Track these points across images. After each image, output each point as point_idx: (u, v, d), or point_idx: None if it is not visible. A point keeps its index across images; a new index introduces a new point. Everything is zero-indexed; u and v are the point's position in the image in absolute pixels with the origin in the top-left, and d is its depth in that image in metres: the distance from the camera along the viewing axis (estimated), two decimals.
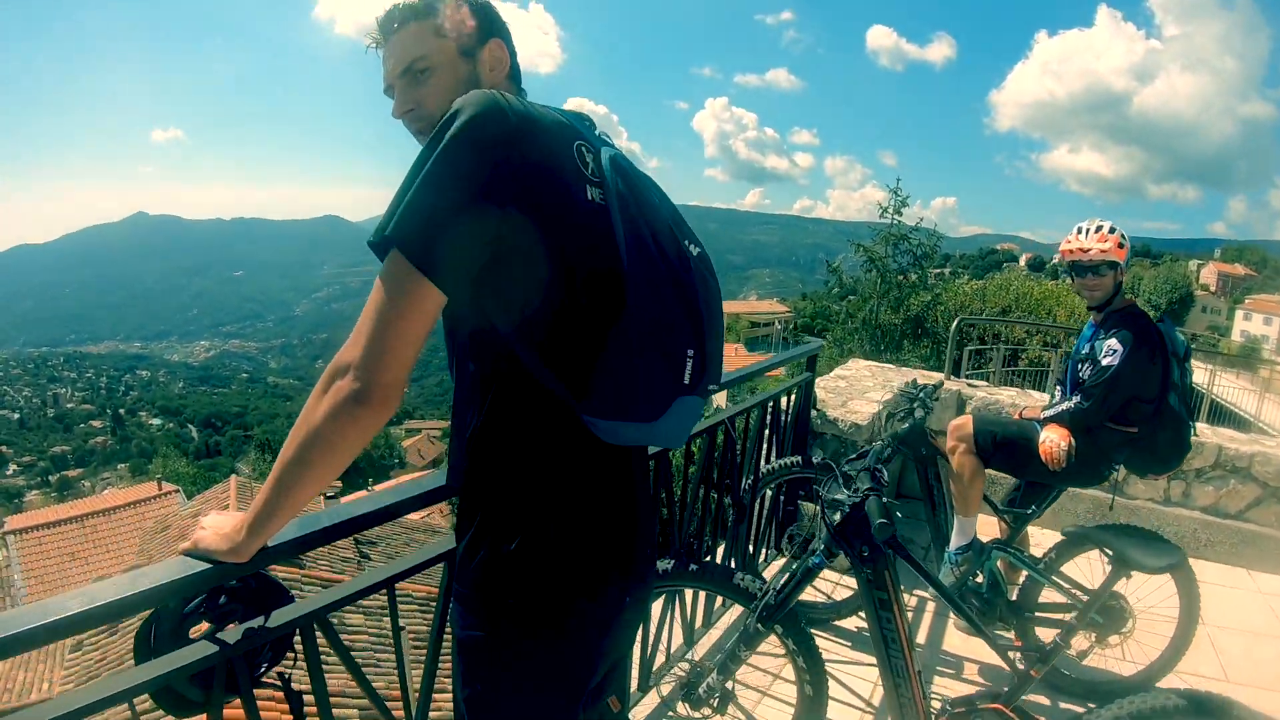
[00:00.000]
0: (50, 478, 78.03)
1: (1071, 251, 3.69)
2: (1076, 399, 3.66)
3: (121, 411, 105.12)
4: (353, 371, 1.31)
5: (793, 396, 4.59)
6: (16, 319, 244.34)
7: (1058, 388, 4.11)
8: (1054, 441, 3.64)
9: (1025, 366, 12.22)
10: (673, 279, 1.49)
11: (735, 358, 52.77)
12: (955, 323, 7.72)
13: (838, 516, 2.51)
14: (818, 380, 5.72)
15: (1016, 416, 4.04)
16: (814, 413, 4.93)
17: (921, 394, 4.06)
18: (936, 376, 6.72)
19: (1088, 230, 3.68)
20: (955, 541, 3.91)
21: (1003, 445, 3.85)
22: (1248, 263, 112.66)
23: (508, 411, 1.49)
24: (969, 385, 6.55)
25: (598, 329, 1.41)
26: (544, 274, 1.39)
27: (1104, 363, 3.55)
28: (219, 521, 1.49)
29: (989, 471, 3.94)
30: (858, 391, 5.72)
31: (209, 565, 1.44)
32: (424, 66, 1.58)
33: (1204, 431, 5.53)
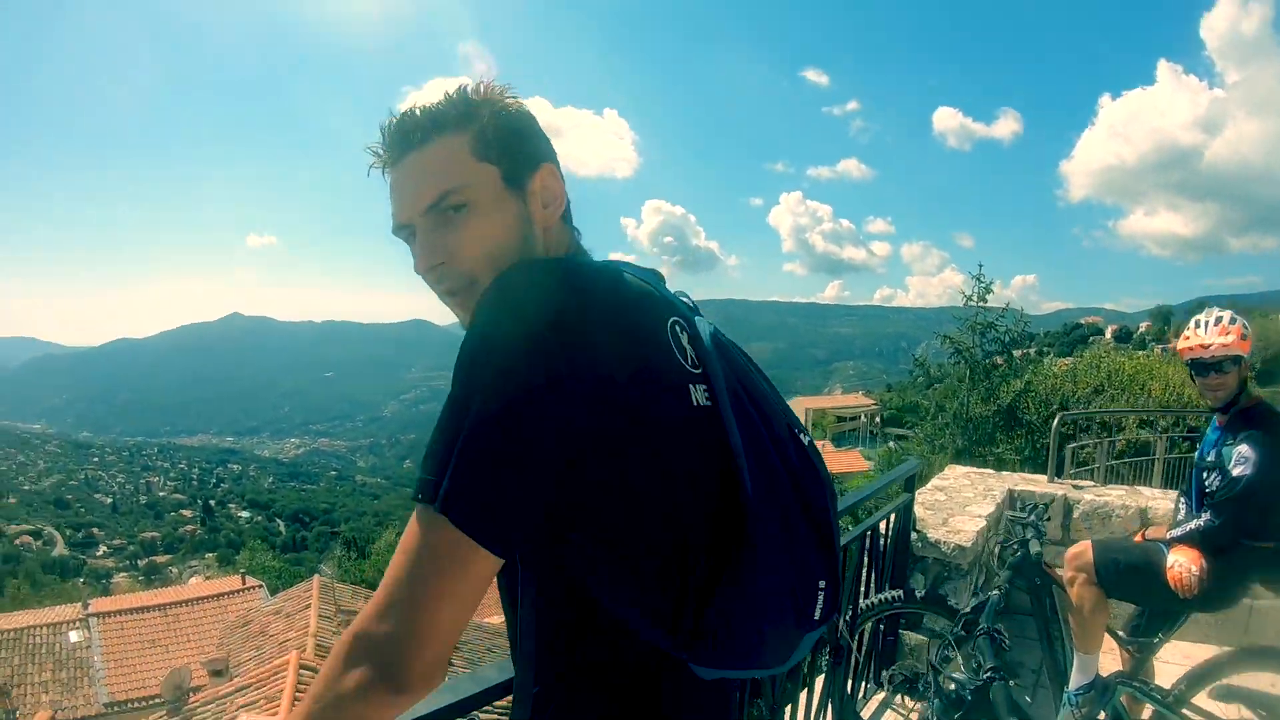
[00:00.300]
0: (139, 562, 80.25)
1: (1191, 349, 3.32)
2: (1206, 516, 3.24)
3: (212, 502, 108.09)
4: (384, 653, 0.98)
5: (892, 520, 4.26)
6: (114, 409, 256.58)
7: (1182, 501, 3.70)
8: (1184, 566, 3.21)
9: (1123, 448, 11.67)
10: (799, 494, 1.19)
11: (823, 454, 52.04)
12: (1055, 421, 7.27)
13: (953, 690, 2.20)
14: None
15: (1139, 538, 3.64)
16: (914, 534, 4.58)
17: (1032, 517, 3.68)
18: (1039, 480, 6.40)
19: (1206, 323, 3.31)
20: (1075, 680, 3.49)
21: (1126, 574, 3.44)
22: None
23: (584, 664, 1.12)
24: (1074, 488, 6.16)
25: (712, 572, 1.11)
26: (640, 516, 1.07)
27: (1234, 473, 3.14)
28: None
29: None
30: (958, 505, 5.38)
31: None
32: (459, 201, 1.16)
33: None
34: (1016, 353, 17.93)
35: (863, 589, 3.97)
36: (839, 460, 45.33)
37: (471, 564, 0.99)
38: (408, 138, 1.18)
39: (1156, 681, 3.43)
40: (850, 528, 3.91)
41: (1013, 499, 5.96)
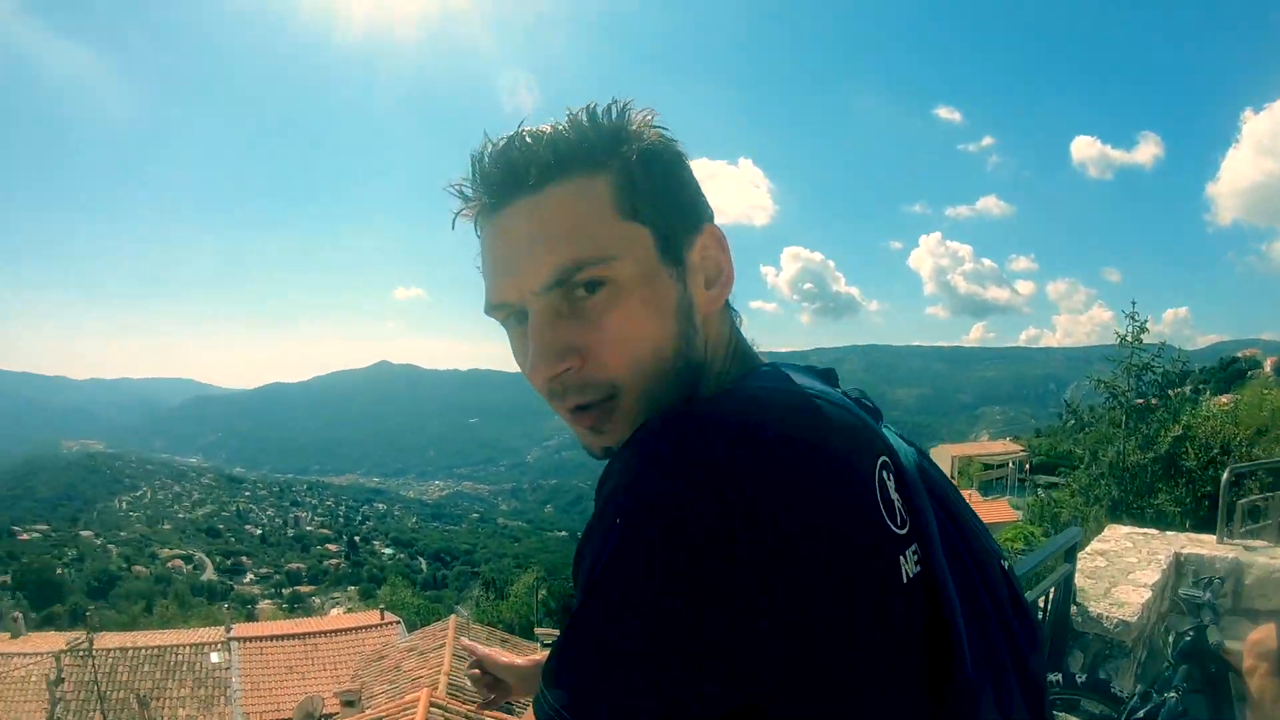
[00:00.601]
0: (283, 590, 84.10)
1: None
2: None
3: (356, 538, 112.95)
4: None
5: (1051, 594, 3.82)
6: (267, 447, 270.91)
7: None
8: None
9: None
10: (1014, 651, 0.87)
11: (970, 503, 50.67)
12: (1225, 474, 6.51)
13: None
14: None
15: None
16: (1073, 608, 4.16)
17: (1207, 595, 3.19)
18: (1207, 540, 5.82)
19: None
20: None
21: None
22: None
23: None
24: (1246, 549, 5.53)
25: None
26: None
27: None
28: None
29: None
30: (1120, 572, 4.91)
31: None
32: (598, 277, 0.80)
33: None
34: (1172, 392, 16.88)
35: None
36: (986, 510, 43.80)
37: None
38: (517, 176, 0.82)
39: None
40: None
41: (1180, 566, 5.41)
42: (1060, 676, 3.31)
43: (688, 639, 0.65)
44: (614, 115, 0.84)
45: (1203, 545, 5.68)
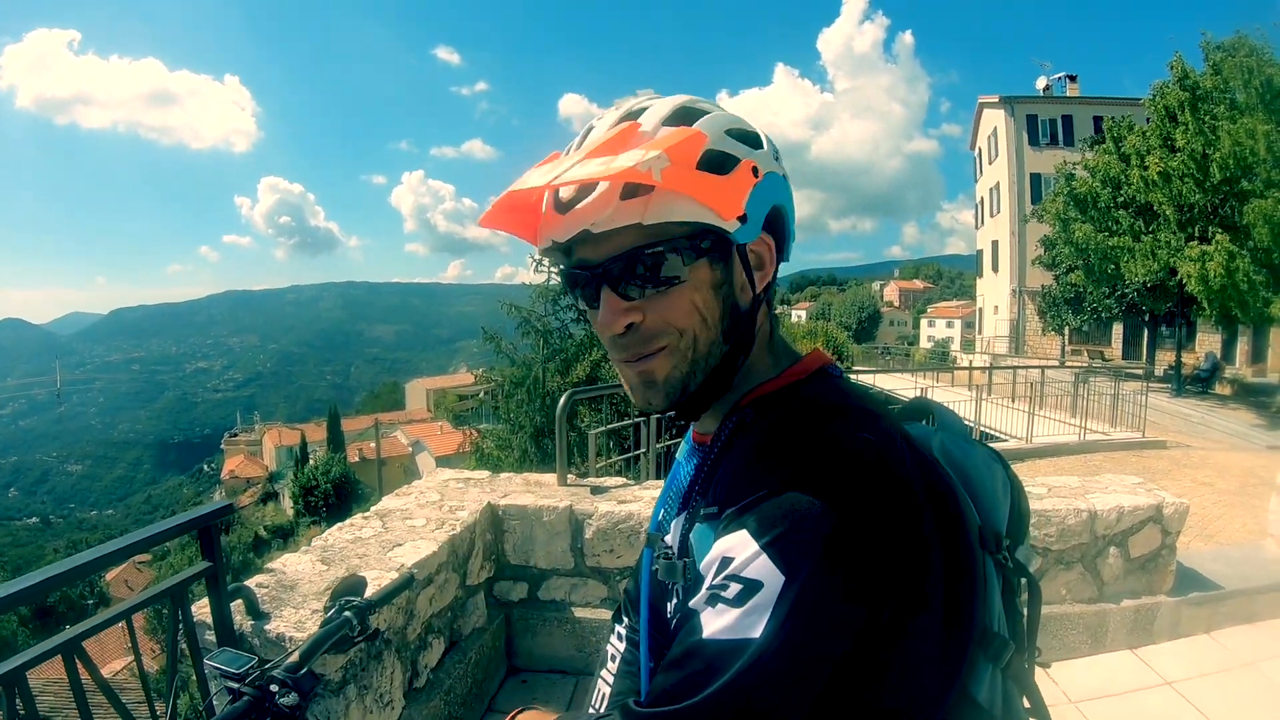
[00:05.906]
0: None
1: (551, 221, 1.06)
2: None
3: None
4: None
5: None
6: None
7: (618, 635, 1.36)
8: None
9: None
10: None
11: (440, 436, 50.51)
12: (562, 401, 5.23)
13: None
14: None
15: None
16: (244, 626, 2.77)
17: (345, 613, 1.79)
18: (547, 482, 4.84)
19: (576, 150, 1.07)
20: None
21: None
22: (924, 278, 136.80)
23: None
24: (593, 491, 4.69)
25: None
26: None
27: (708, 629, 0.84)
28: None
29: None
30: (379, 547, 3.57)
31: None
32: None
33: None
34: None
35: None
36: (450, 441, 43.94)
37: None
38: None
39: None
40: None
41: (499, 522, 4.38)
42: None
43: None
44: None
45: (539, 490, 4.65)
